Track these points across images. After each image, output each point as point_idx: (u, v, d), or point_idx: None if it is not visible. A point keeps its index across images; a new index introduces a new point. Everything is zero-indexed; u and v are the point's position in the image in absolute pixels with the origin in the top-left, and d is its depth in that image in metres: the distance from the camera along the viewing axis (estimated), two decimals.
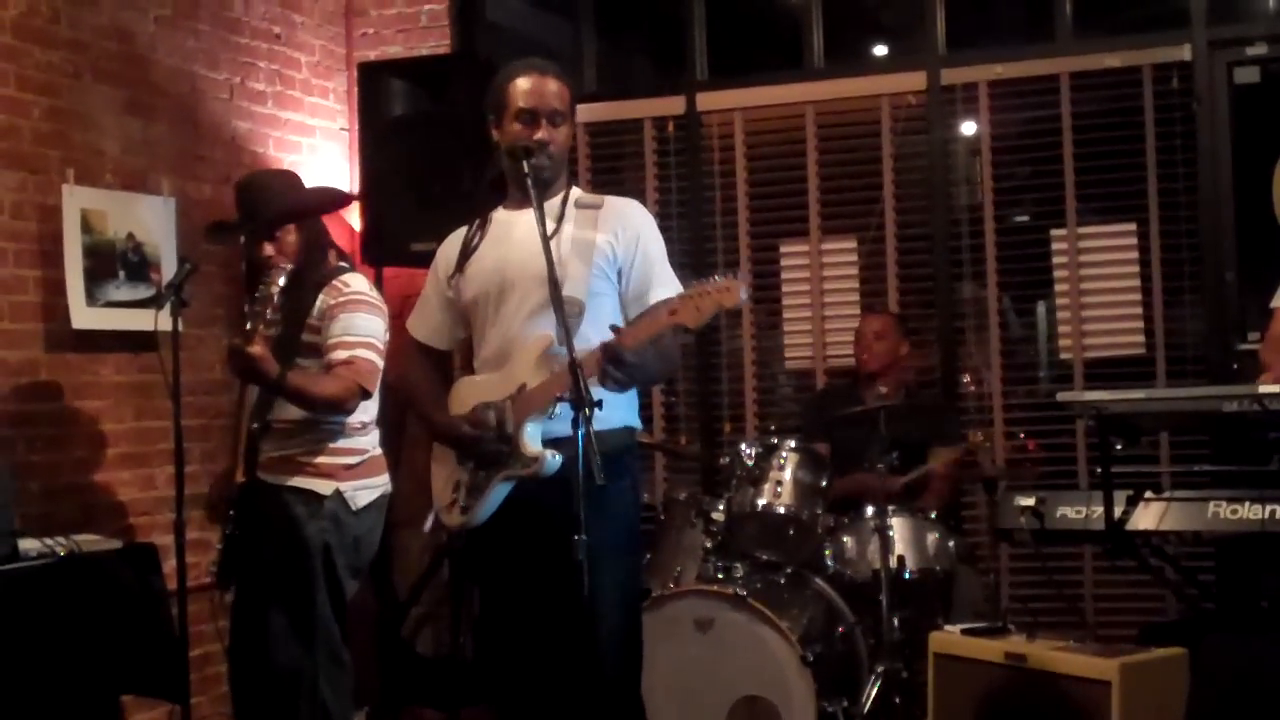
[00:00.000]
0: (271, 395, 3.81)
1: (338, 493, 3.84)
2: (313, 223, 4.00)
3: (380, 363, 3.88)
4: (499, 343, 3.29)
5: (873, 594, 4.62)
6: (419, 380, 3.50)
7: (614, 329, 3.03)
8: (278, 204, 3.96)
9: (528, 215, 3.23)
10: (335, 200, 4.34)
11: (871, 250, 5.78)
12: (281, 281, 3.67)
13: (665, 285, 3.26)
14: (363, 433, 3.93)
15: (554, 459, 3.11)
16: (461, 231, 3.45)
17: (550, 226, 3.17)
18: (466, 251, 3.36)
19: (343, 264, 4.01)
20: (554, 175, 3.31)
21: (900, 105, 5.75)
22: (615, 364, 2.99)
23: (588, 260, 3.21)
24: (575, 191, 3.36)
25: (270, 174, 4.52)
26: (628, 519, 3.27)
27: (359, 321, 3.86)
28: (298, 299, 3.85)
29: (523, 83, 3.28)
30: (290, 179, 4.20)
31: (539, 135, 3.25)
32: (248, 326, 3.63)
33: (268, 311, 3.62)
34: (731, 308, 2.97)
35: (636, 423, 3.38)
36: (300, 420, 3.83)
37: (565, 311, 3.03)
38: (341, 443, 3.87)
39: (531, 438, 3.15)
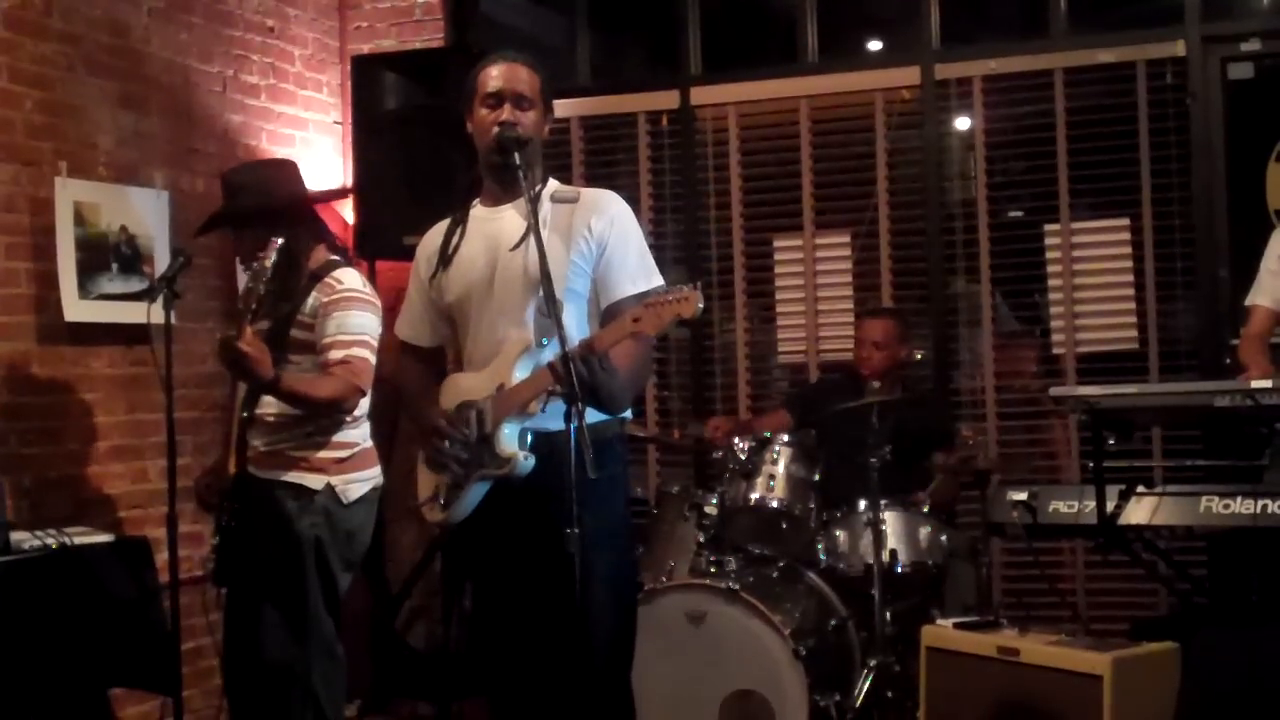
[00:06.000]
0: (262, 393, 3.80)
1: (329, 487, 3.83)
2: (296, 219, 3.90)
3: (374, 360, 3.87)
4: (484, 341, 3.27)
5: (865, 588, 4.63)
6: (407, 379, 3.51)
7: (584, 342, 3.03)
8: (248, 203, 3.91)
9: (508, 212, 3.25)
10: (303, 201, 4.07)
11: (865, 245, 5.78)
12: (274, 256, 3.62)
13: (635, 279, 3.23)
14: (353, 425, 3.91)
15: (526, 460, 3.11)
16: (440, 229, 3.41)
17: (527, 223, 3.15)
18: (447, 251, 3.33)
19: (335, 258, 3.96)
20: (527, 161, 3.20)
21: (894, 100, 5.75)
22: (587, 364, 2.96)
23: (565, 258, 3.19)
24: (552, 184, 3.33)
25: (252, 168, 4.36)
26: (616, 509, 3.26)
27: (353, 319, 3.83)
28: (291, 287, 3.84)
29: (491, 70, 3.28)
30: (271, 174, 4.08)
31: (504, 117, 3.21)
32: (240, 306, 3.61)
33: (261, 286, 3.59)
34: (690, 317, 2.97)
35: (627, 413, 3.36)
36: (289, 414, 3.82)
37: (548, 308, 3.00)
38: (332, 436, 3.86)
39: (508, 438, 3.14)
